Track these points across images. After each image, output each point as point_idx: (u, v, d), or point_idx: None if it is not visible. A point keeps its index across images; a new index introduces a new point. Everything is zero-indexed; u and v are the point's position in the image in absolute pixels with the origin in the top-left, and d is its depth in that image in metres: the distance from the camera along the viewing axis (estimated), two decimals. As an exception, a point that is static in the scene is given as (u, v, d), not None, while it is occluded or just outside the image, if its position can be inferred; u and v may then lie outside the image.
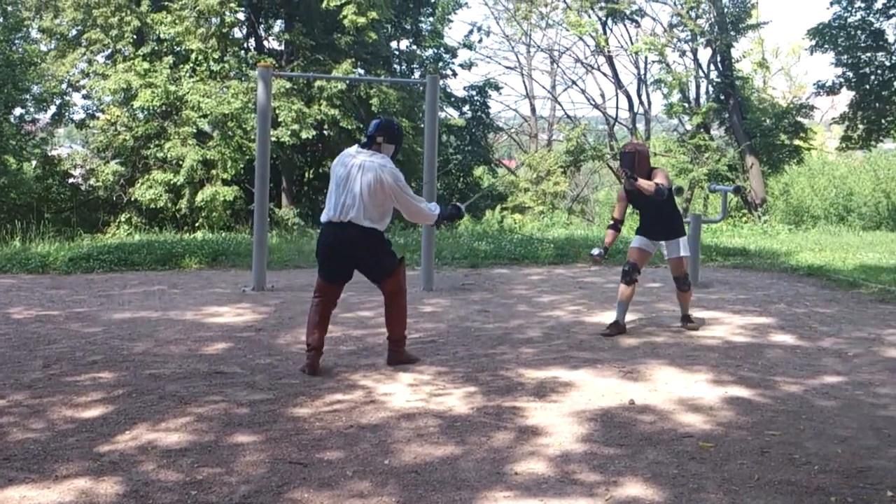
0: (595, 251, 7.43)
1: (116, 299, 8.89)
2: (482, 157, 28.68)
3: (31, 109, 23.04)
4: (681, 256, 7.34)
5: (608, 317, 8.05)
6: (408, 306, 6.12)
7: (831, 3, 22.97)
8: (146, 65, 21.29)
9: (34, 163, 23.10)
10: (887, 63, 23.10)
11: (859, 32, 22.82)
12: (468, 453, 4.14)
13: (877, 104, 23.20)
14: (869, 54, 23.09)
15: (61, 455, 4.07)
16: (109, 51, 22.49)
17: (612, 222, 7.51)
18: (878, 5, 22.73)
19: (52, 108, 23.46)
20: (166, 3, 21.44)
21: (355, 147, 5.89)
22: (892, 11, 22.72)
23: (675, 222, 7.41)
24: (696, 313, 8.34)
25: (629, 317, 8.05)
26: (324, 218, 5.78)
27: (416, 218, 6.03)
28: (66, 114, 23.73)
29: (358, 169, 5.65)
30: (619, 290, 7.32)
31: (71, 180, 23.85)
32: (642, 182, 6.97)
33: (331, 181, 5.82)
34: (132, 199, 21.50)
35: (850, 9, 22.87)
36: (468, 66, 27.49)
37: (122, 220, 21.75)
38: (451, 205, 6.31)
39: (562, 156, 29.02)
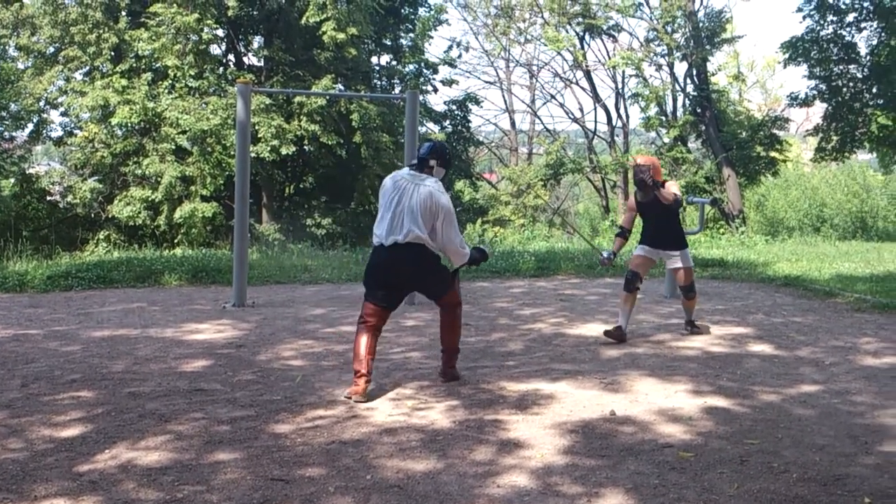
0: (604, 254, 7.73)
1: (95, 317, 8.84)
2: (463, 171, 28.78)
3: (9, 127, 22.89)
4: (688, 267, 7.65)
5: (589, 329, 8.10)
6: (460, 311, 6.09)
7: (804, 17, 23.26)
8: (124, 81, 21.24)
9: (12, 180, 22.93)
10: (859, 75, 23.41)
11: (831, 45, 23.13)
12: (450, 467, 4.15)
13: (849, 116, 23.49)
14: (841, 67, 23.40)
15: (40, 475, 4.04)
16: (87, 68, 22.42)
17: (619, 230, 7.86)
18: (850, 18, 23.05)
19: (30, 126, 23.35)
20: (144, 20, 21.41)
21: (406, 169, 5.81)
22: (863, 25, 23.04)
23: (679, 233, 7.71)
24: (675, 324, 8.40)
25: (607, 327, 8.11)
26: (376, 241, 5.62)
27: (450, 249, 5.71)
28: (44, 131, 23.62)
29: (412, 190, 5.56)
30: (621, 298, 7.57)
31: (49, 198, 23.70)
32: (664, 190, 7.32)
33: (381, 203, 5.68)
34: (111, 216, 21.39)
35: (822, 22, 23.17)
36: (448, 82, 27.58)
37: (101, 237, 21.62)
38: (474, 248, 6.12)
39: (542, 169, 29.21)
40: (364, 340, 5.57)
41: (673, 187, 7.50)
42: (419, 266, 5.62)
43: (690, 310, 7.87)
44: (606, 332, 7.42)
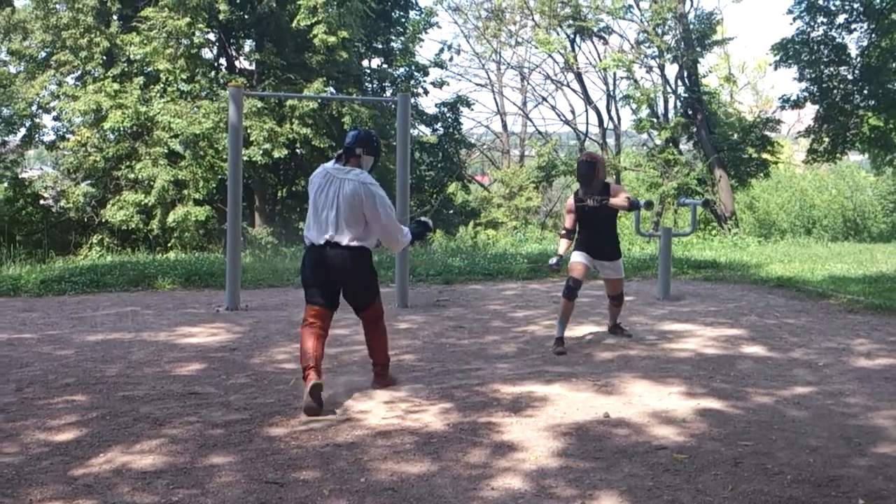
0: (553, 260, 7.53)
1: (89, 321, 8.82)
2: (455, 174, 28.79)
3: (1, 131, 22.81)
4: (619, 278, 7.57)
5: (582, 331, 8.12)
6: (384, 323, 5.97)
7: (794, 19, 23.34)
8: (116, 86, 21.19)
9: (4, 185, 22.86)
10: (850, 77, 23.49)
11: (822, 47, 23.20)
12: (444, 470, 4.16)
13: (841, 117, 23.56)
14: (832, 68, 23.48)
15: (35, 479, 4.03)
16: (79, 72, 22.34)
17: (563, 232, 7.64)
18: (840, 20, 23.14)
19: (22, 130, 23.28)
20: (135, 25, 21.38)
21: (331, 163, 5.56)
22: (853, 26, 23.13)
23: (615, 243, 7.55)
24: (668, 326, 8.42)
25: (601, 329, 8.14)
26: (307, 241, 5.52)
27: (390, 240, 5.54)
28: (37, 136, 23.52)
29: (338, 185, 5.36)
30: (561, 306, 7.33)
31: (42, 202, 23.63)
32: (614, 201, 7.20)
33: (310, 201, 5.51)
34: (104, 220, 21.33)
35: (812, 24, 23.24)
36: (440, 84, 27.57)
37: (94, 241, 21.56)
38: (415, 221, 5.94)
39: (534, 171, 29.27)
40: (311, 344, 5.34)
41: (622, 192, 7.34)
42: (353, 268, 5.41)
43: (615, 315, 7.92)
44: (557, 352, 7.06)
